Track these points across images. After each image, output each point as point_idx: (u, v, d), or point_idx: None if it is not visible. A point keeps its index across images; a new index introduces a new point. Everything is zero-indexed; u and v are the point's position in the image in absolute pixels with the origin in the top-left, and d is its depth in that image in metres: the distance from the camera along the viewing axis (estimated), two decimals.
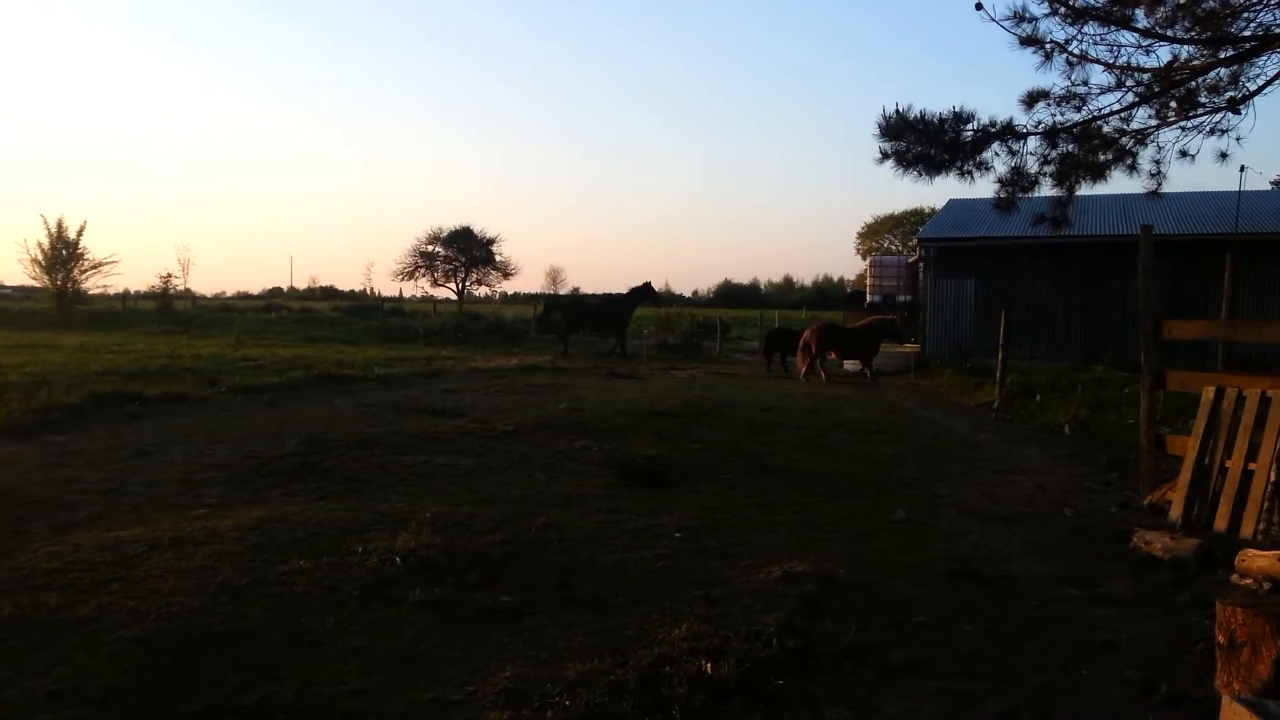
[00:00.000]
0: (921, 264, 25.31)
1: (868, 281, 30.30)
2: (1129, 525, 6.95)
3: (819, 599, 5.04)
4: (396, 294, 70.06)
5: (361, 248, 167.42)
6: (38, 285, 42.96)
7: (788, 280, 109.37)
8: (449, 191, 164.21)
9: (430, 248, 71.38)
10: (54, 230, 39.97)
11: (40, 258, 40.01)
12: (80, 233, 40.43)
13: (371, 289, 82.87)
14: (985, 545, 6.43)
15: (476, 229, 70.99)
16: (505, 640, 4.42)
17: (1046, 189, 11.43)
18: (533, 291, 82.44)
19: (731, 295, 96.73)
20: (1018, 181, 11.16)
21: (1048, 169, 11.10)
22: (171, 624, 4.37)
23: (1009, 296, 22.24)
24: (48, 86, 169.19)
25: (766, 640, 4.31)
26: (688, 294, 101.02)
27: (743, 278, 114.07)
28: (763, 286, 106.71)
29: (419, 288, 71.90)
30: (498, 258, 72.41)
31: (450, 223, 72.69)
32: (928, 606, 5.04)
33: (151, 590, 4.81)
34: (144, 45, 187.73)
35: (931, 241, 24.53)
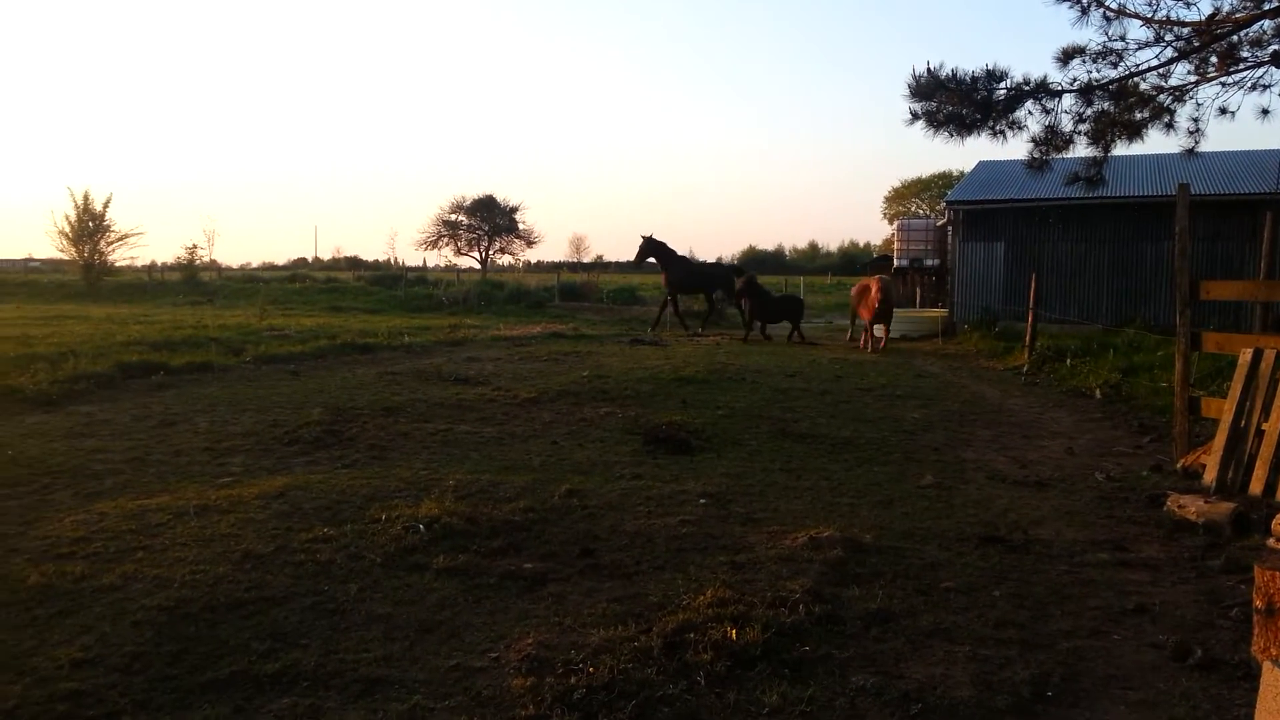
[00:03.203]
0: (950, 227, 24.96)
1: (895, 246, 29.90)
2: (1162, 489, 6.82)
3: (845, 565, 4.97)
4: (420, 263, 70.22)
5: (385, 217, 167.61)
6: (65, 258, 43.42)
7: (813, 246, 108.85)
8: (473, 160, 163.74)
9: (454, 216, 71.53)
10: (80, 203, 40.37)
11: (68, 230, 40.43)
12: (106, 205, 40.82)
13: (395, 259, 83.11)
14: (1014, 510, 6.33)
15: (500, 197, 71.07)
16: (528, 607, 4.39)
17: (1081, 149, 11.18)
18: (556, 260, 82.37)
19: (756, 261, 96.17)
20: (1051, 141, 10.92)
21: (1082, 128, 10.86)
22: (195, 592, 4.37)
23: (1039, 259, 21.95)
24: (74, 59, 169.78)
25: (792, 606, 4.26)
26: (712, 261, 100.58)
27: (767, 244, 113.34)
28: (787, 252, 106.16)
29: (442, 257, 72.17)
30: (520, 226, 72.50)
31: (474, 191, 72.68)
32: (956, 572, 4.97)
33: (176, 559, 4.81)
34: (167, 17, 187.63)
35: (960, 204, 24.18)
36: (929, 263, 28.58)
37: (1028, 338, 16.30)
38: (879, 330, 19.51)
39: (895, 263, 29.53)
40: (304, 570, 4.73)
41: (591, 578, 4.81)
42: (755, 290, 20.86)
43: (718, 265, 27.84)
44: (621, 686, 3.48)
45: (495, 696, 3.47)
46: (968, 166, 31.18)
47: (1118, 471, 7.62)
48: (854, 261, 75.55)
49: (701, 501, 6.23)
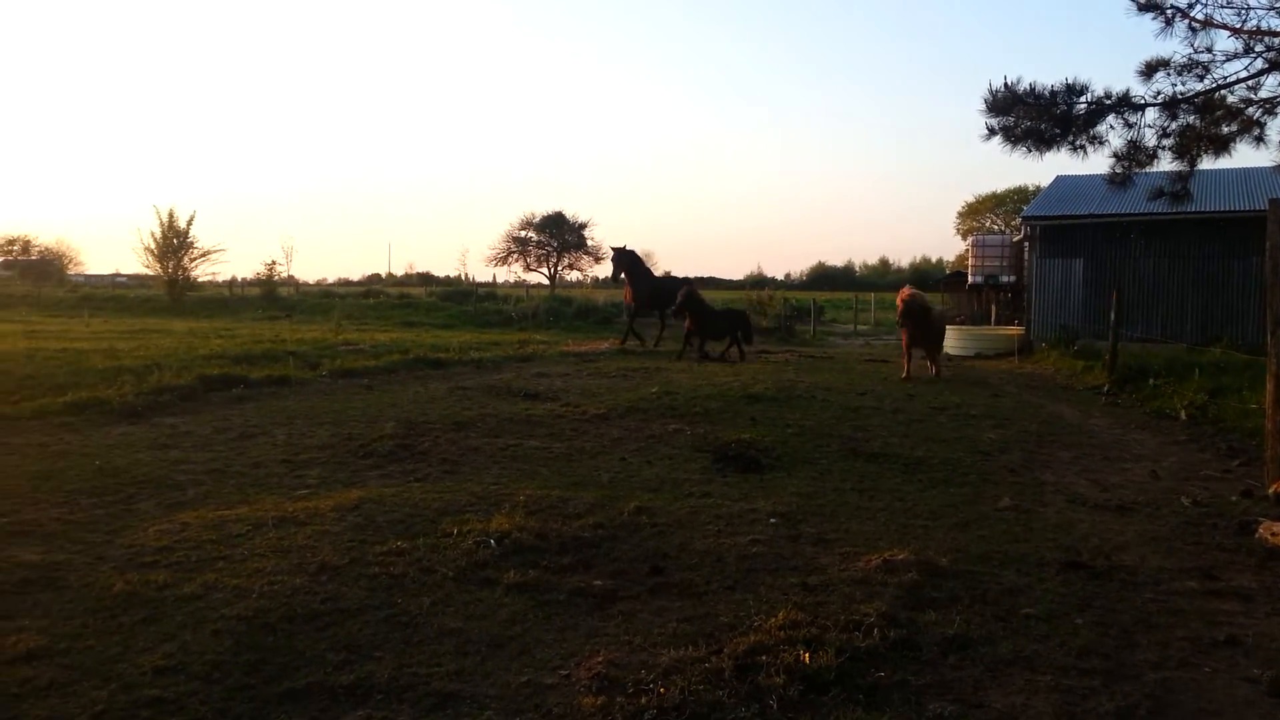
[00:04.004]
0: (1026, 243, 24.46)
1: (969, 262, 29.37)
2: (1253, 515, 6.55)
3: (921, 589, 4.87)
4: (490, 279, 71.22)
5: (457, 234, 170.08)
6: (151, 273, 44.98)
7: (883, 262, 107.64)
8: (543, 176, 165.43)
9: (523, 233, 72.44)
10: (165, 220, 41.80)
11: (153, 247, 41.87)
12: (189, 223, 42.20)
13: (466, 274, 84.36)
14: (1096, 535, 6.14)
15: (569, 214, 71.79)
16: (598, 625, 4.38)
17: (1165, 163, 10.89)
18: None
19: (825, 278, 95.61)
20: (1134, 156, 10.67)
21: (1166, 142, 10.59)
22: (273, 602, 4.45)
23: (1120, 276, 21.39)
24: (163, 81, 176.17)
25: (866, 630, 4.18)
26: (780, 277, 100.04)
27: (836, 260, 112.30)
28: (858, 268, 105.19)
29: (512, 273, 73.14)
30: (589, 242, 73.09)
31: (543, 208, 73.52)
32: (1036, 598, 4.83)
33: (255, 569, 4.91)
34: (237, 37, 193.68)
35: (1037, 219, 23.69)
36: (1004, 279, 28.02)
37: (1108, 356, 15.87)
38: (921, 353, 16.28)
39: (970, 279, 29.01)
40: (378, 583, 4.79)
41: (661, 596, 4.78)
42: (695, 304, 18.95)
43: (678, 280, 24.58)
44: (692, 708, 3.45)
45: (566, 715, 3.47)
46: (1044, 181, 30.52)
47: (1205, 496, 7.35)
48: (926, 278, 74.46)
49: (772, 521, 6.17)
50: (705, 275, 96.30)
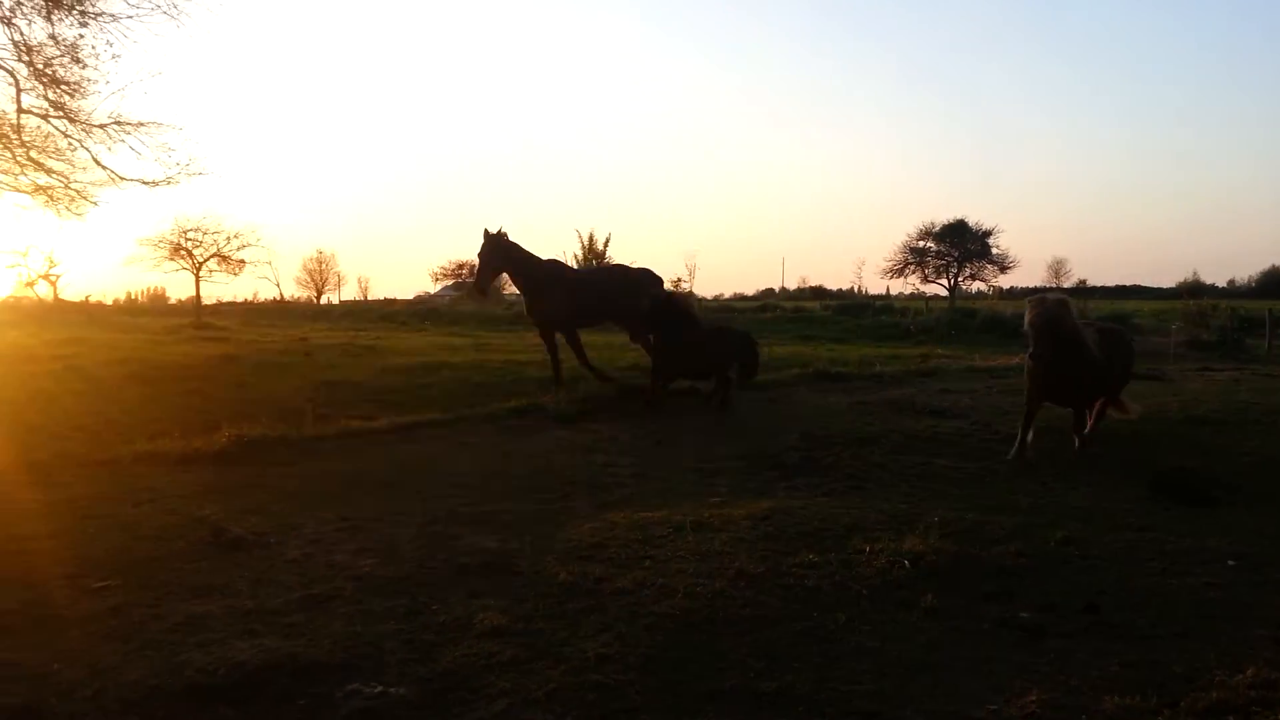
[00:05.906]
0: None
1: None
2: None
3: None
4: (884, 291, 70.09)
5: (850, 246, 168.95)
6: None
7: None
8: (939, 183, 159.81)
9: (921, 243, 70.35)
10: (586, 242, 45.94)
11: (576, 266, 46.17)
12: (606, 244, 46.04)
13: (860, 287, 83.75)
14: None
15: (971, 222, 68.75)
16: (1027, 660, 4.10)
17: None
18: (1032, 285, 77.47)
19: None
20: None
21: None
22: (696, 603, 4.67)
23: None
24: (583, 114, 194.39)
25: None
26: (1221, 284, 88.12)
27: None
28: None
29: (909, 284, 71.25)
30: (994, 251, 69.35)
31: (943, 217, 70.96)
32: None
33: (677, 570, 5.19)
34: (657, 73, 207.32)
35: None
36: None
37: None
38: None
39: None
40: (793, 594, 4.85)
41: (1097, 636, 4.38)
42: (672, 317, 12.18)
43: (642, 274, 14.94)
44: None
45: None
46: None
47: None
48: None
49: (1230, 563, 5.42)
50: (1128, 284, 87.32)
